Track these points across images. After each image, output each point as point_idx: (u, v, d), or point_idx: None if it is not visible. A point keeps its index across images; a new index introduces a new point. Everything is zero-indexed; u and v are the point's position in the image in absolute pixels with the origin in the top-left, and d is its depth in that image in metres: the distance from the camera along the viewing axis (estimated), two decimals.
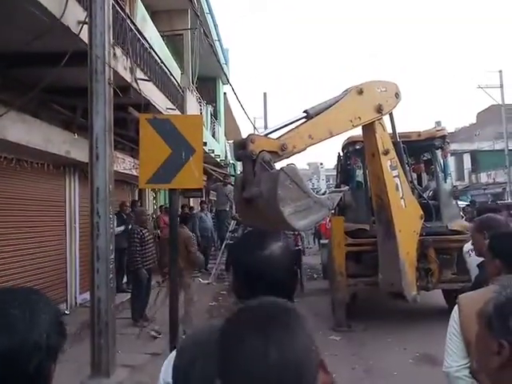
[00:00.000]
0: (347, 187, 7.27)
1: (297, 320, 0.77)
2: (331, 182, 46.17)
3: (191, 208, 12.33)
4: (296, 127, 4.69)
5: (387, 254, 5.94)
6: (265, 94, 23.47)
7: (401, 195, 5.91)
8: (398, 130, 6.34)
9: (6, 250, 5.54)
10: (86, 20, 4.13)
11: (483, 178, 32.29)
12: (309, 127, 4.74)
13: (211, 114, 15.54)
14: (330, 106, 5.01)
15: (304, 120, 4.72)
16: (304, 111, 4.81)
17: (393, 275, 5.85)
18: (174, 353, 1.18)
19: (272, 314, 0.77)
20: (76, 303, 7.02)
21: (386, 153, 5.85)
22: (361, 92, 5.46)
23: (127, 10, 6.15)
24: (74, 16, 4.23)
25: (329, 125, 4.95)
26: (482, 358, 0.96)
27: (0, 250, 5.43)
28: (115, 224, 7.69)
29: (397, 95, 5.81)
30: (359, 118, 5.44)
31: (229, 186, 12.02)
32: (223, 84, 17.90)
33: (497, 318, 0.90)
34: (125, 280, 8.37)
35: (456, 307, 1.87)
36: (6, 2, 3.61)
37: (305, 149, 4.69)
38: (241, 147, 4.02)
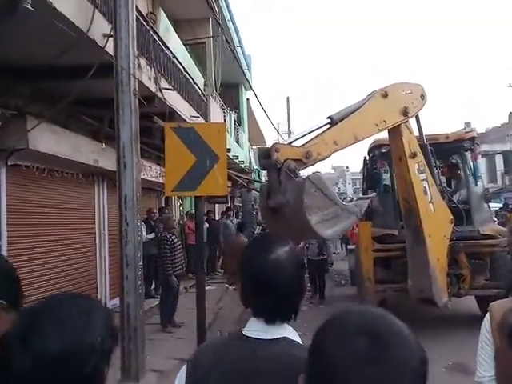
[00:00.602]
0: (374, 193, 7.17)
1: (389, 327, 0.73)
2: (358, 185, 45.61)
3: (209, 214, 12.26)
4: (320, 134, 4.68)
5: (417, 259, 5.80)
6: (287, 99, 23.48)
7: (429, 199, 5.77)
8: (426, 132, 6.21)
9: (39, 257, 5.72)
10: (111, 33, 4.25)
11: None
12: (334, 133, 4.72)
13: (235, 121, 15.64)
14: (355, 111, 4.98)
15: (328, 126, 4.70)
16: (328, 117, 4.80)
17: (423, 281, 5.70)
18: (184, 367, 1.17)
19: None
20: None
21: (413, 156, 5.73)
22: (386, 95, 5.38)
23: (150, 22, 6.28)
24: (99, 29, 4.35)
25: (354, 130, 4.92)
26: (504, 371, 0.90)
27: (33, 257, 5.60)
28: (144, 231, 7.90)
29: (422, 97, 5.70)
30: (384, 121, 5.37)
31: (253, 191, 12.07)
32: (246, 90, 18.00)
33: None
34: (153, 286, 8.48)
35: (487, 315, 1.82)
36: (34, 17, 3.76)
37: (330, 155, 4.70)
38: (265, 156, 4.03)
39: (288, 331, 1.13)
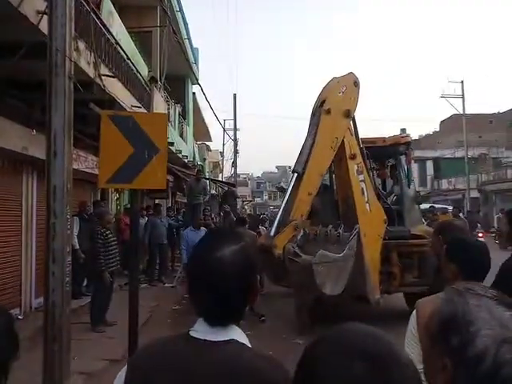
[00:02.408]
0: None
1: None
2: None
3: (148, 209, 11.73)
4: (295, 196, 5.53)
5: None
6: (235, 96, 23.46)
7: (366, 199, 5.99)
8: (364, 136, 6.45)
9: None
10: (46, 10, 3.94)
11: (444, 184, 33.49)
12: (305, 186, 5.56)
13: (179, 114, 15.31)
14: (311, 147, 5.53)
15: (296, 179, 5.54)
16: (293, 171, 5.60)
17: (358, 278, 5.91)
18: (124, 368, 1.09)
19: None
20: (31, 307, 6.70)
21: (353, 157, 5.93)
22: (328, 111, 5.68)
23: (92, 5, 5.93)
24: (32, 5, 4.02)
25: (317, 169, 5.73)
26: (429, 372, 0.90)
27: None
28: (77, 227, 7.46)
29: (356, 84, 5.96)
30: (336, 138, 5.72)
31: (202, 180, 11.95)
32: (192, 84, 17.70)
33: (440, 334, 0.82)
34: (85, 283, 8.07)
35: (414, 312, 1.88)
36: None
37: (309, 207, 5.71)
38: (264, 251, 4.80)
39: (236, 333, 1.07)
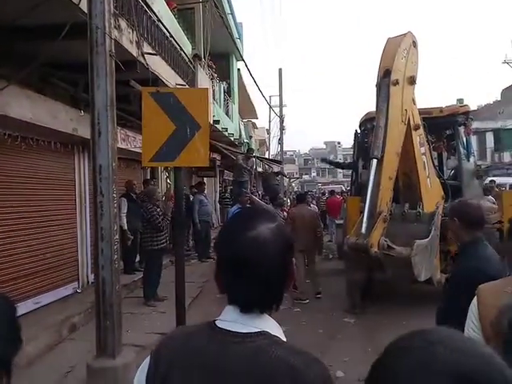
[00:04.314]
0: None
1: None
2: (349, 160, 45.56)
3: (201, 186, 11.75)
4: (378, 185, 5.16)
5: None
6: (280, 71, 22.87)
7: (427, 174, 5.61)
8: (418, 106, 5.98)
9: (16, 229, 5.50)
10: None
11: (506, 157, 31.33)
12: (386, 171, 5.07)
13: (224, 92, 15.21)
14: (386, 126, 5.09)
15: (376, 166, 5.13)
16: (371, 157, 5.12)
17: None
18: (147, 360, 1.00)
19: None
20: (88, 282, 7.02)
21: (417, 128, 5.52)
22: (397, 82, 5.15)
23: None
24: None
25: (394, 148, 5.20)
26: None
27: (10, 230, 5.38)
28: (126, 206, 7.66)
29: (414, 44, 5.45)
30: (405, 110, 5.27)
31: (252, 158, 12.01)
32: (237, 60, 17.47)
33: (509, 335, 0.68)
34: (137, 259, 8.35)
35: (475, 299, 1.69)
36: None
37: (392, 193, 5.38)
38: (362, 251, 4.85)
39: (269, 324, 0.95)
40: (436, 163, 7.09)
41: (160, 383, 0.94)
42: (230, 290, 0.97)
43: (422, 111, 6.26)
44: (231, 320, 0.94)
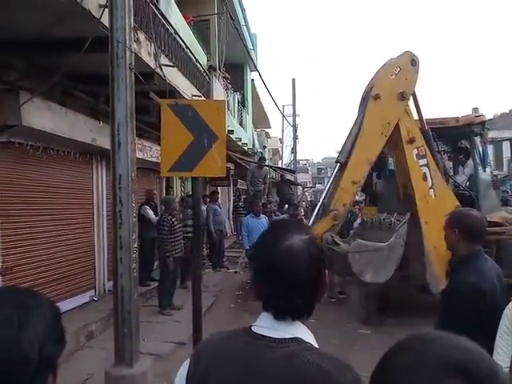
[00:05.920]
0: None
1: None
2: None
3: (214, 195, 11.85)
4: (336, 185, 5.22)
5: (415, 245, 5.69)
6: (293, 81, 22.98)
7: (430, 185, 5.61)
8: (433, 115, 6.00)
9: (35, 237, 5.61)
10: (107, 3, 4.02)
11: None
12: (349, 175, 5.19)
13: (238, 102, 15.36)
14: (356, 136, 5.25)
15: (338, 169, 5.25)
16: (336, 161, 5.28)
17: (419, 268, 5.62)
18: (186, 362, 1.06)
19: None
20: (105, 290, 7.10)
21: (412, 141, 5.58)
22: (377, 97, 5.33)
23: None
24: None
25: (364, 156, 5.34)
26: None
27: (26, 238, 5.49)
28: (152, 213, 7.75)
29: (413, 63, 5.51)
30: (388, 123, 5.39)
31: (264, 168, 12.04)
32: (251, 71, 17.64)
33: None
34: (154, 268, 8.41)
35: (510, 304, 1.77)
36: None
37: (354, 197, 5.43)
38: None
39: (301, 331, 1.00)
40: (452, 173, 7.04)
41: (199, 383, 0.99)
42: (265, 298, 1.02)
43: (437, 121, 6.26)
44: (266, 326, 0.99)
